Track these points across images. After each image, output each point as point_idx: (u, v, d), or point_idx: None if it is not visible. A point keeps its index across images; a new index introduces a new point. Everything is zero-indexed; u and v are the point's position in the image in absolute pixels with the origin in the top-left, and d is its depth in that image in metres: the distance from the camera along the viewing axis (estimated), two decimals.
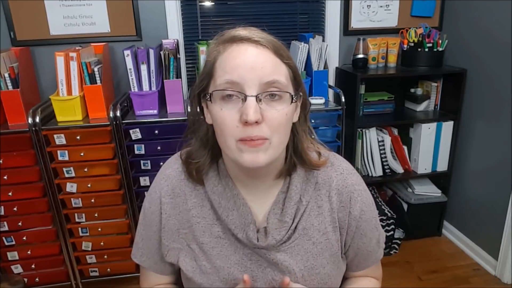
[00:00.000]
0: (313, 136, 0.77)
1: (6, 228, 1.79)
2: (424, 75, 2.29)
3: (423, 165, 2.24)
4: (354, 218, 0.75)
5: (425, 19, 2.26)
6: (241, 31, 0.65)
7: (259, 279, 0.72)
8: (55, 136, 1.69)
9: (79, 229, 1.86)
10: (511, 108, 1.86)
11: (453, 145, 2.23)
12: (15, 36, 1.93)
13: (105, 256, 1.93)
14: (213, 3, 2.13)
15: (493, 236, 2.02)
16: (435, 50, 2.12)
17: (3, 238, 1.81)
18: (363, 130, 2.14)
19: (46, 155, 1.71)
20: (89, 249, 1.90)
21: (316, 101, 1.99)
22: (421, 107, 2.28)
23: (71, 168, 1.75)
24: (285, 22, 2.22)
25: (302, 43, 1.99)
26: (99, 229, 1.87)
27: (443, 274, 2.07)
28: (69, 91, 1.73)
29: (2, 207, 1.76)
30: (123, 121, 1.75)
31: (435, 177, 2.35)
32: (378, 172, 2.20)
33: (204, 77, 0.67)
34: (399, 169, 2.26)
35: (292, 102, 0.65)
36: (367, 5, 2.22)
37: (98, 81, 1.75)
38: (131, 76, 1.76)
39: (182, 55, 2.09)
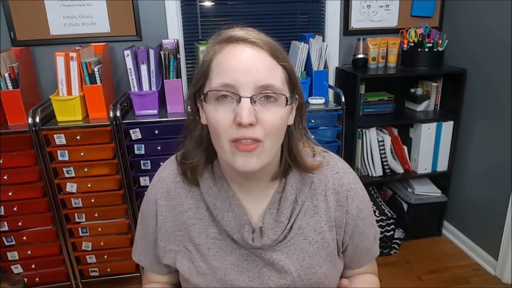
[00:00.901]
0: (308, 138, 0.77)
1: (6, 228, 1.79)
2: (424, 75, 2.29)
3: (423, 165, 2.24)
4: (352, 216, 0.75)
5: (425, 19, 2.26)
6: (238, 32, 0.64)
7: (255, 279, 0.72)
8: (55, 136, 1.69)
9: (79, 229, 1.86)
10: (511, 108, 1.86)
11: (453, 145, 2.23)
12: (15, 36, 1.93)
13: (105, 256, 1.93)
14: (213, 3, 2.13)
15: (493, 236, 2.02)
16: (435, 50, 2.12)
17: (3, 238, 1.81)
18: (363, 130, 2.14)
19: (46, 155, 1.71)
20: (89, 249, 1.90)
21: (316, 101, 1.99)
22: (421, 107, 2.28)
23: (71, 168, 1.75)
24: (285, 22, 2.22)
25: (302, 43, 1.99)
26: (99, 229, 1.87)
27: (443, 274, 2.07)
28: (69, 91, 1.73)
29: (2, 207, 1.76)
30: (123, 121, 1.75)
31: (435, 177, 2.35)
32: (378, 172, 2.20)
33: (200, 77, 0.67)
34: (399, 169, 2.26)
35: (286, 105, 0.64)
36: (367, 5, 2.22)
37: (98, 81, 1.75)
38: (131, 76, 1.76)
39: (182, 55, 2.09)
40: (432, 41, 2.10)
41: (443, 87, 2.26)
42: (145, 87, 1.79)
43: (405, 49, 2.19)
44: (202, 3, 2.11)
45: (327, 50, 2.03)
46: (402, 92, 2.35)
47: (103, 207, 1.84)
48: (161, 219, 0.76)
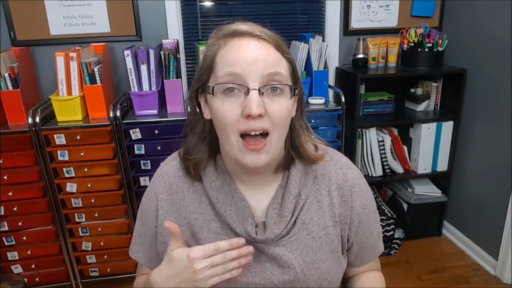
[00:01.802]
0: (309, 131, 0.78)
1: (6, 228, 1.79)
2: (424, 75, 2.29)
3: (423, 165, 2.24)
4: (356, 212, 0.75)
5: (425, 19, 2.26)
6: (242, 26, 0.65)
7: (257, 274, 0.72)
8: (55, 136, 1.69)
9: (79, 229, 1.86)
10: (511, 108, 1.86)
11: (453, 145, 2.23)
12: (15, 36, 1.93)
13: (105, 256, 1.93)
14: (213, 3, 2.13)
15: (493, 236, 2.02)
16: (435, 50, 2.12)
17: (3, 238, 1.81)
18: (363, 130, 2.14)
19: (46, 155, 1.71)
20: (89, 249, 1.90)
21: (316, 101, 1.99)
22: (421, 107, 2.28)
23: (71, 168, 1.75)
24: (285, 22, 2.22)
25: (302, 43, 1.99)
26: (99, 229, 1.87)
27: (443, 274, 2.07)
28: (69, 91, 1.73)
29: (2, 207, 1.76)
30: (123, 121, 1.75)
31: (435, 177, 2.35)
32: (378, 172, 2.20)
33: (204, 71, 0.67)
34: (399, 169, 2.26)
35: (293, 95, 0.66)
36: (367, 5, 2.22)
37: (98, 81, 1.75)
38: (131, 76, 1.76)
39: (182, 55, 2.09)
40: (432, 41, 2.10)
41: (443, 87, 2.26)
42: (145, 87, 1.79)
43: (405, 49, 2.19)
44: (202, 3, 2.11)
45: (327, 50, 2.03)
46: (402, 92, 2.35)
47: (103, 207, 1.84)
48: (162, 213, 0.76)
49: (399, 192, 2.36)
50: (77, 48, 1.85)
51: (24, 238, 1.82)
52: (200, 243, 0.74)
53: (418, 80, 2.33)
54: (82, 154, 1.73)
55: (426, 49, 2.11)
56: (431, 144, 2.21)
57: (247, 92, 0.61)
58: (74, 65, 1.70)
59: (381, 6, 2.23)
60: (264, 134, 0.63)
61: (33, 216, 1.81)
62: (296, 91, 0.66)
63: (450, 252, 2.25)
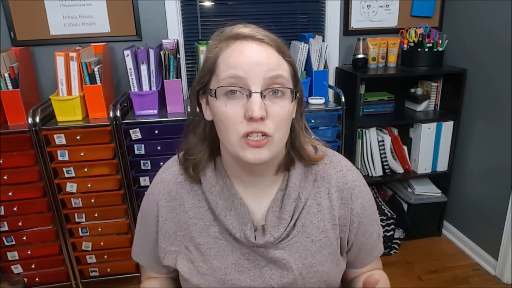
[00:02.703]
0: (308, 132, 0.78)
1: (6, 228, 1.79)
2: (424, 75, 2.29)
3: (423, 165, 2.24)
4: (356, 214, 0.75)
5: (425, 19, 2.26)
6: (244, 29, 0.65)
7: (256, 278, 0.72)
8: (55, 136, 1.69)
9: (79, 229, 1.86)
10: (511, 108, 1.86)
11: (453, 145, 2.23)
12: (15, 36, 1.93)
13: (105, 256, 1.93)
14: (213, 3, 2.13)
15: (493, 236, 2.02)
16: (435, 50, 2.12)
17: (3, 238, 1.81)
18: (363, 130, 2.14)
19: (46, 155, 1.71)
20: (89, 249, 1.90)
21: (316, 101, 1.99)
22: (421, 107, 2.28)
23: (71, 168, 1.75)
24: (285, 22, 2.22)
25: (302, 43, 1.99)
26: (99, 229, 1.87)
27: (443, 274, 2.07)
28: (69, 91, 1.73)
29: (2, 207, 1.76)
30: (123, 121, 1.75)
31: (435, 177, 2.35)
32: (378, 172, 2.20)
33: (205, 73, 0.67)
34: (399, 169, 2.26)
35: (294, 98, 0.66)
36: (367, 5, 2.22)
37: (98, 81, 1.75)
38: (131, 76, 1.76)
39: (182, 55, 2.09)
40: (432, 41, 2.10)
41: (443, 87, 2.26)
42: (145, 87, 1.79)
43: (405, 49, 2.19)
44: (202, 3, 2.11)
45: (327, 50, 2.03)
46: (402, 92, 2.35)
47: (103, 207, 1.84)
48: (162, 220, 0.76)
49: (399, 192, 2.36)
50: (77, 48, 1.85)
51: (24, 238, 1.82)
52: (199, 248, 0.74)
53: (418, 80, 2.33)
54: (82, 154, 1.73)
55: (426, 49, 2.11)
56: (431, 144, 2.21)
57: (249, 95, 0.61)
58: (74, 65, 1.70)
59: (381, 6, 2.23)
60: (267, 135, 0.64)
61: (33, 216, 1.81)
62: (297, 94, 0.66)
63: (450, 252, 2.25)
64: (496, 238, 1.99)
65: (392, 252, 2.24)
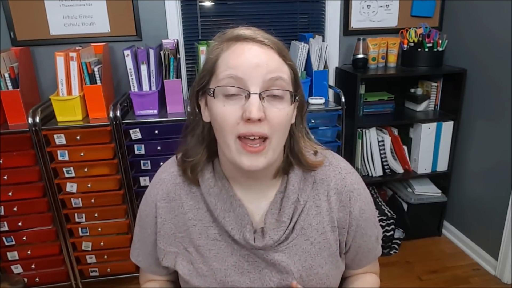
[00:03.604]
0: (309, 137, 0.77)
1: (6, 228, 1.79)
2: (424, 75, 2.29)
3: (423, 165, 2.24)
4: (355, 217, 0.75)
5: (425, 19, 2.26)
6: (245, 31, 0.65)
7: (256, 280, 0.72)
8: (55, 136, 1.69)
9: (79, 229, 1.86)
10: (511, 108, 1.86)
11: (453, 145, 2.23)
12: (15, 36, 1.93)
13: (105, 256, 1.93)
14: (213, 3, 2.13)
15: (493, 236, 2.02)
16: (435, 50, 2.12)
17: (3, 238, 1.81)
18: (363, 130, 2.14)
19: (46, 155, 1.71)
20: (89, 249, 1.90)
21: (316, 101, 1.99)
22: (421, 107, 2.28)
23: (71, 168, 1.75)
24: (285, 22, 2.22)
25: (302, 43, 1.99)
26: (99, 229, 1.87)
27: (443, 274, 2.07)
28: (69, 91, 1.73)
29: (2, 207, 1.76)
30: (123, 121, 1.75)
31: (435, 177, 2.35)
32: (378, 172, 2.20)
33: (205, 74, 0.67)
34: (399, 169, 2.25)
35: (293, 101, 0.65)
36: (367, 5, 2.22)
37: (98, 81, 1.75)
38: (131, 76, 1.76)
39: (182, 55, 2.09)
40: (432, 41, 2.10)
41: (443, 87, 2.26)
42: (145, 87, 1.79)
43: (405, 49, 2.19)
44: (202, 3, 2.11)
45: (327, 50, 2.03)
46: (402, 92, 2.35)
47: (103, 207, 1.84)
48: (161, 221, 0.76)
49: (399, 192, 2.36)
50: (77, 48, 1.85)
51: (24, 238, 1.81)
52: (198, 249, 0.74)
53: (418, 80, 2.33)
54: (82, 154, 1.73)
55: (426, 49, 2.11)
56: (431, 144, 2.21)
57: (248, 96, 0.61)
58: (74, 65, 1.70)
59: (381, 6, 2.23)
60: (263, 139, 0.63)
61: (33, 216, 1.81)
62: (296, 98, 0.66)
63: (450, 252, 2.25)
64: (496, 238, 1.99)
65: (392, 252, 2.24)
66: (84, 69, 1.72)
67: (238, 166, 0.64)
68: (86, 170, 1.76)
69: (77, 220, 1.84)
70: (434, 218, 2.38)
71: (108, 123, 1.72)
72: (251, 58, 0.62)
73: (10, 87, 1.70)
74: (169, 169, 0.79)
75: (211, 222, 0.73)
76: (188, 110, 0.75)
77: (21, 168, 1.73)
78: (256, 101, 0.60)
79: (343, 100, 1.94)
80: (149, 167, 1.81)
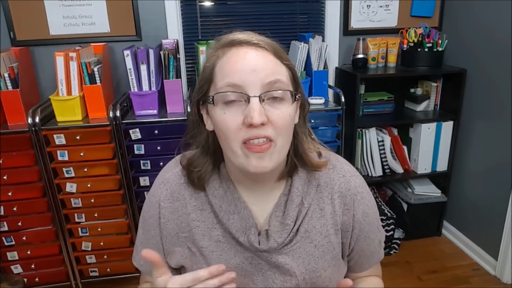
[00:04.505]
0: (312, 137, 0.77)
1: (6, 228, 1.79)
2: (424, 75, 2.29)
3: (423, 165, 2.24)
4: (358, 220, 0.75)
5: (425, 19, 2.26)
6: (239, 35, 0.64)
7: (259, 282, 0.72)
8: (54, 136, 1.69)
9: (79, 229, 1.86)
10: (511, 108, 1.86)
11: (453, 145, 2.23)
12: (15, 36, 1.93)
13: (105, 256, 1.93)
14: (213, 3, 2.13)
15: (493, 236, 2.02)
16: (435, 50, 2.12)
17: (3, 238, 1.81)
18: (363, 130, 2.14)
19: (46, 155, 1.71)
20: (89, 249, 1.90)
21: (316, 101, 1.99)
22: (421, 107, 2.28)
23: (71, 168, 1.75)
24: (285, 22, 2.22)
25: (302, 43, 1.99)
26: (99, 229, 1.87)
27: (443, 274, 2.07)
28: (69, 91, 1.73)
29: (2, 207, 1.76)
30: (123, 121, 1.75)
31: (435, 177, 2.35)
32: (378, 172, 2.20)
33: (203, 82, 0.66)
34: (399, 169, 2.25)
35: (294, 101, 0.65)
36: (367, 5, 2.22)
37: (98, 81, 1.75)
38: (131, 76, 1.76)
39: (182, 55, 2.09)
40: (432, 41, 2.10)
41: (443, 87, 2.26)
42: (145, 87, 1.79)
43: (405, 49, 2.19)
44: (202, 3, 2.11)
45: (327, 50, 2.03)
46: (402, 92, 2.35)
47: (103, 207, 1.84)
48: (164, 222, 0.75)
49: (399, 192, 2.36)
50: (77, 48, 1.85)
51: (24, 238, 1.81)
52: (202, 251, 0.73)
53: (418, 80, 2.33)
54: (82, 154, 1.73)
55: (426, 49, 2.11)
56: (431, 144, 2.21)
57: (248, 99, 0.60)
58: (73, 65, 1.70)
59: (381, 6, 2.23)
60: (269, 139, 0.63)
61: (33, 216, 1.81)
62: (297, 96, 0.65)
63: (450, 252, 2.25)
64: (496, 238, 1.99)
65: (392, 252, 2.24)
66: (83, 69, 1.72)
67: (245, 170, 0.64)
68: (86, 170, 1.76)
69: (77, 220, 1.84)
70: (434, 218, 2.38)
71: (108, 123, 1.72)
72: (247, 63, 0.61)
73: (10, 87, 1.70)
74: (173, 169, 0.78)
75: (214, 224, 0.73)
76: (189, 110, 0.75)
77: (21, 168, 1.73)
78: (256, 105, 0.60)
79: (343, 100, 1.95)
80: (149, 167, 1.81)
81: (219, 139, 0.67)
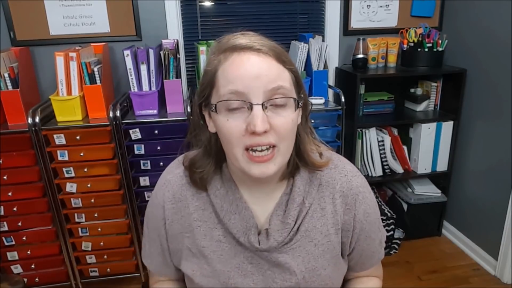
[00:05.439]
0: (314, 136, 0.77)
1: (6, 228, 1.79)
2: (424, 75, 2.29)
3: (423, 165, 2.24)
4: (359, 220, 0.75)
5: (425, 19, 2.26)
6: (242, 39, 0.64)
7: (259, 282, 0.72)
8: (55, 136, 1.69)
9: (79, 229, 1.86)
10: (511, 108, 1.86)
11: (453, 145, 2.23)
12: (15, 36, 1.93)
13: (105, 256, 1.93)
14: (213, 3, 2.13)
15: (493, 236, 2.02)
16: (435, 50, 2.12)
17: (3, 238, 1.80)
18: (363, 130, 2.14)
19: (46, 155, 1.71)
20: (89, 249, 1.90)
21: (316, 101, 1.99)
22: (421, 107, 2.28)
23: (71, 168, 1.75)
24: (285, 22, 2.22)
25: (302, 43, 1.99)
26: (99, 229, 1.87)
27: (443, 274, 2.07)
28: (69, 91, 1.73)
29: (2, 207, 1.75)
30: (123, 121, 1.75)
31: (435, 177, 2.35)
32: (378, 172, 2.20)
33: (205, 86, 0.66)
34: (399, 169, 2.25)
35: (297, 107, 0.65)
36: (367, 5, 2.22)
37: (98, 81, 1.75)
38: (131, 76, 1.76)
39: (182, 55, 2.09)
40: (432, 41, 2.10)
41: (443, 87, 2.26)
42: (145, 87, 1.79)
43: (405, 49, 2.19)
44: (202, 3, 2.11)
45: (327, 50, 2.03)
46: (402, 92, 2.35)
47: (103, 207, 1.84)
48: (169, 223, 0.76)
49: (399, 192, 2.36)
50: (77, 48, 1.85)
51: (24, 238, 1.81)
52: (202, 250, 0.74)
53: (418, 80, 2.33)
54: (82, 154, 1.72)
55: (426, 49, 2.11)
56: (431, 144, 2.21)
57: (250, 107, 0.60)
58: (74, 65, 1.70)
59: (381, 6, 2.23)
60: (271, 146, 0.63)
61: (33, 216, 1.81)
62: (300, 103, 0.65)
63: (450, 252, 2.25)
64: (496, 238, 1.99)
65: (392, 252, 2.24)
66: (84, 69, 1.72)
67: (247, 175, 0.64)
68: (86, 170, 1.76)
69: (77, 220, 1.84)
70: (434, 218, 2.38)
71: (108, 123, 1.72)
72: (250, 70, 0.61)
73: (10, 87, 1.70)
74: (175, 170, 0.78)
75: (216, 224, 0.73)
76: (189, 110, 0.75)
77: (21, 168, 1.73)
78: (259, 113, 0.60)
79: (343, 100, 1.94)
80: (149, 167, 1.81)
81: (222, 143, 0.67)
